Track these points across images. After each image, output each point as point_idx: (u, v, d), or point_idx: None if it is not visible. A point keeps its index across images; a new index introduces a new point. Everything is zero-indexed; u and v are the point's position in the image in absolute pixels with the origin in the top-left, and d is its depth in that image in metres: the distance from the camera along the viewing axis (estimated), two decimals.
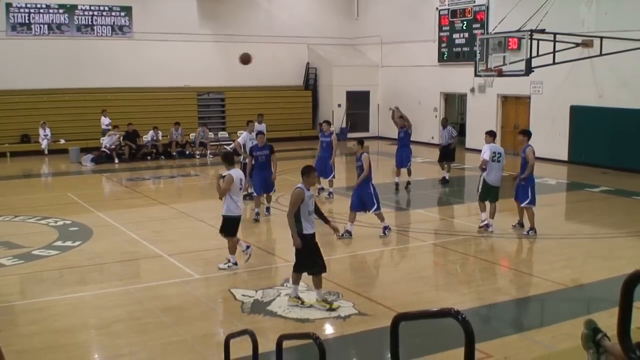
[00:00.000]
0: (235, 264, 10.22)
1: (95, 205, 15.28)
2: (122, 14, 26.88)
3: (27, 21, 25.31)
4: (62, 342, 7.58)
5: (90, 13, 26.36)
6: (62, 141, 24.95)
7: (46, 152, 24.42)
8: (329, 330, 7.89)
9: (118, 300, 9.05)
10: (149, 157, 24.02)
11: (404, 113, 18.33)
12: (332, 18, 30.97)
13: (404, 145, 17.55)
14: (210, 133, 25.55)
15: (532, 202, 12.21)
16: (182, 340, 7.55)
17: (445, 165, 19.06)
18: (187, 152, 24.83)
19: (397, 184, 17.44)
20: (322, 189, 16.42)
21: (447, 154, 18.99)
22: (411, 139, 17.80)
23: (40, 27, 25.54)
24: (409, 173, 17.71)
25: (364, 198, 12.06)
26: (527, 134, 12.62)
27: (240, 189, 10.27)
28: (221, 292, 9.37)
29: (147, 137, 24.51)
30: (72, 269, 10.51)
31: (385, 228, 12.19)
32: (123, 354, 7.27)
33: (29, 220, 13.70)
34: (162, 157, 24.24)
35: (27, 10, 25.28)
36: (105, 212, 14.54)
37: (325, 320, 8.10)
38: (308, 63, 30.95)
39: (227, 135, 27.08)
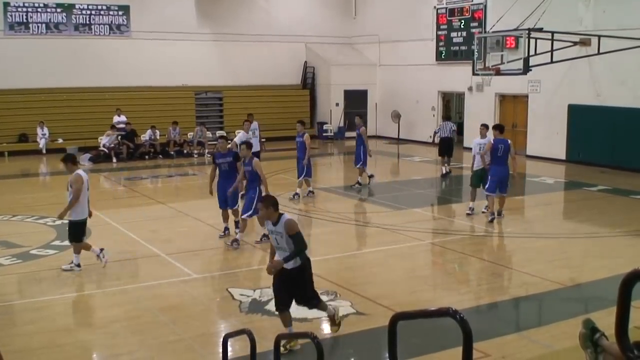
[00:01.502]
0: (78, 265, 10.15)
1: (93, 205, 15.13)
2: (120, 13, 26.83)
3: (25, 20, 25.26)
4: (61, 341, 7.57)
5: (88, 12, 26.31)
6: (60, 140, 24.92)
7: (44, 151, 24.40)
8: (327, 329, 7.88)
9: (116, 299, 9.05)
10: (146, 157, 24.00)
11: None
12: (329, 17, 30.96)
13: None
14: (208, 132, 25.53)
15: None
16: (180, 340, 7.55)
17: (446, 159, 19.26)
18: (185, 152, 24.82)
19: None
20: (297, 194, 15.84)
21: (448, 148, 19.16)
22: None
23: (38, 27, 25.49)
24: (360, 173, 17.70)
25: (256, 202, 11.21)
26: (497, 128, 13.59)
27: (87, 189, 10.12)
28: (219, 292, 9.37)
29: (145, 136, 24.50)
30: None
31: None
32: (121, 353, 7.27)
33: (27, 220, 13.69)
34: (160, 156, 24.22)
35: (24, 9, 25.22)
36: (103, 212, 14.48)
37: (323, 319, 8.09)
38: (306, 62, 30.94)
39: (225, 134, 27.01)
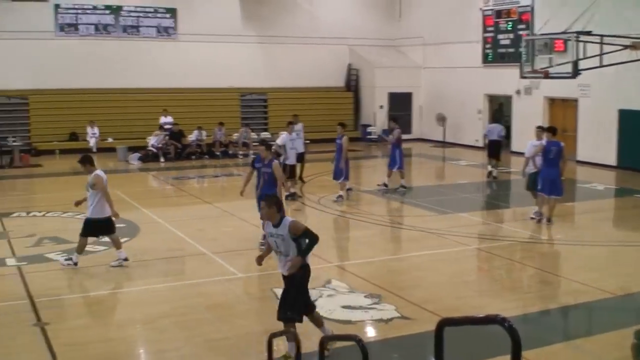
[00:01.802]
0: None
1: (142, 203, 15.54)
2: (167, 15, 27.29)
3: (74, 22, 25.88)
4: (109, 336, 7.74)
5: (136, 14, 26.84)
6: (110, 140, 25.42)
7: (94, 150, 24.89)
8: (371, 333, 7.87)
9: (163, 296, 9.20)
10: (193, 157, 24.33)
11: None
12: (374, 19, 30.88)
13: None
14: (252, 133, 25.75)
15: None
16: (225, 338, 7.63)
17: (494, 162, 19.04)
18: (231, 152, 25.08)
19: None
20: (341, 196, 15.78)
21: (497, 151, 18.96)
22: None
23: (87, 28, 26.09)
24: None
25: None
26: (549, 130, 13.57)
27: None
28: (263, 291, 9.43)
29: (192, 136, 24.84)
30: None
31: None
32: (168, 349, 7.39)
33: (77, 216, 13.97)
34: (206, 156, 24.52)
35: (74, 11, 25.85)
36: (151, 210, 14.79)
37: (368, 322, 8.08)
38: (350, 64, 30.94)
39: (269, 136, 27.22)
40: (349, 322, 8.02)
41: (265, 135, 27.38)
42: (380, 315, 8.23)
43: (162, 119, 25.07)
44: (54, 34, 25.49)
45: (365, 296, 8.89)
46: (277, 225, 6.68)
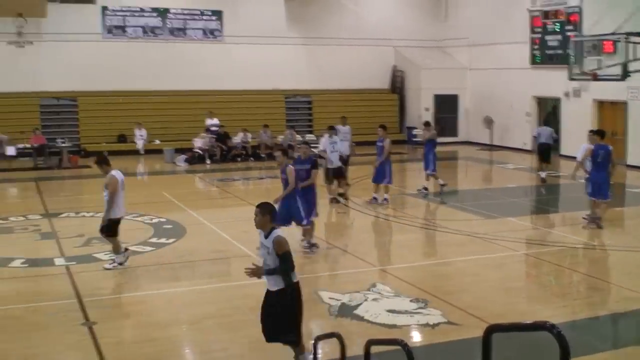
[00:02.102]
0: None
1: (188, 204, 15.71)
2: (214, 18, 27.61)
3: (122, 24, 26.39)
4: (155, 335, 7.82)
5: (182, 17, 27.23)
6: (157, 141, 25.82)
7: (142, 152, 25.33)
8: (416, 337, 7.79)
9: (208, 297, 9.28)
10: (238, 159, 24.54)
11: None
12: (419, 20, 30.64)
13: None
14: (297, 135, 25.82)
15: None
16: None
17: (544, 165, 18.70)
18: (275, 155, 25.14)
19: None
20: (386, 199, 15.65)
21: (546, 154, 18.64)
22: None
23: (134, 30, 26.57)
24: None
25: (291, 211, 11.10)
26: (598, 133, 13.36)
27: (123, 189, 10.33)
28: (307, 294, 9.42)
29: (237, 138, 25.06)
30: (165, 265, 10.85)
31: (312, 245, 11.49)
32: (214, 349, 7.45)
33: (125, 217, 14.19)
34: (252, 158, 24.70)
35: (122, 13, 26.37)
36: (197, 211, 14.94)
37: (414, 327, 7.99)
38: (395, 66, 30.78)
39: (314, 138, 27.26)
40: (394, 326, 7.94)
41: (310, 137, 27.42)
42: (426, 320, 8.14)
43: (208, 121, 25.33)
44: (101, 36, 26.02)
45: (410, 300, 8.81)
46: (266, 236, 6.41)
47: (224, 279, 10.31)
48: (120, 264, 10.39)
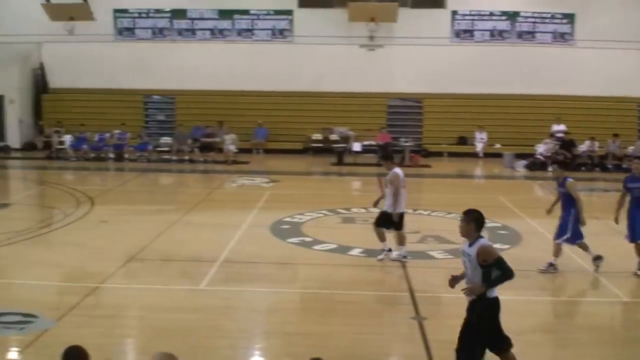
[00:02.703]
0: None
1: (525, 211, 15.18)
2: (564, 21, 26.40)
3: (470, 28, 26.62)
4: None
5: (532, 20, 26.55)
6: (497, 145, 25.63)
7: (481, 155, 25.41)
8: None
9: (534, 309, 8.90)
10: (583, 168, 23.21)
11: None
12: None
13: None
14: None
15: None
16: None
17: None
18: (624, 166, 23.11)
19: None
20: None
21: None
22: None
23: (482, 34, 26.69)
24: None
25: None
26: None
27: (403, 186, 10.59)
28: None
29: (583, 147, 23.74)
30: None
31: None
32: None
33: (459, 218, 14.37)
34: (597, 168, 23.24)
35: (471, 17, 26.62)
36: (535, 220, 14.29)
37: None
38: None
39: None
40: None
41: None
42: None
43: (554, 127, 24.41)
44: (449, 40, 26.63)
45: None
46: (471, 244, 6.13)
47: (555, 293, 9.75)
48: (405, 257, 10.84)
